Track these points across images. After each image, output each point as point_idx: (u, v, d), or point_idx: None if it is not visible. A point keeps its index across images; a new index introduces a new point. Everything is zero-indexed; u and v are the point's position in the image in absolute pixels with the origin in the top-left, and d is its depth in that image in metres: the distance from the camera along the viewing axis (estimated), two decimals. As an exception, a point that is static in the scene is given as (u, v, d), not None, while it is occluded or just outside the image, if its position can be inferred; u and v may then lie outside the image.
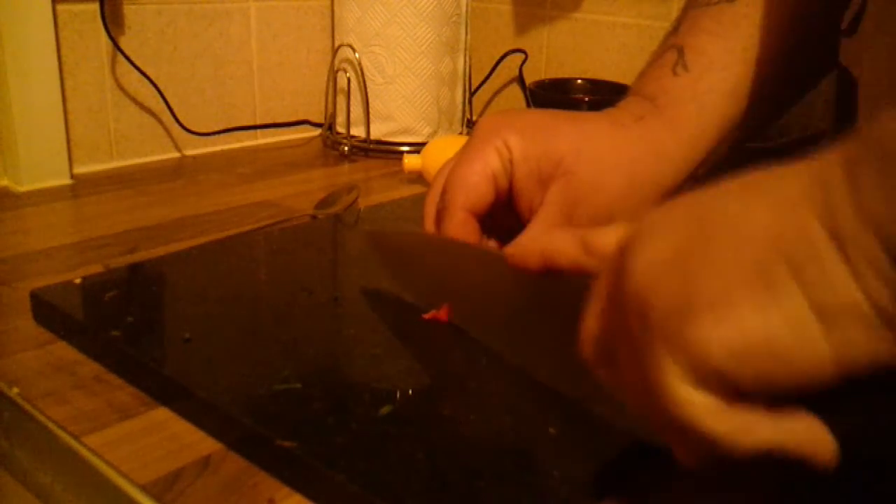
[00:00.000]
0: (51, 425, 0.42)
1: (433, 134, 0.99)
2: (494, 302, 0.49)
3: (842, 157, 0.27)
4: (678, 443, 0.32)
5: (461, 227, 0.50)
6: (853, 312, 0.26)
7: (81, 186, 0.83)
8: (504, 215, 0.52)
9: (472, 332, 0.50)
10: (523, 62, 1.10)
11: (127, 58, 0.87)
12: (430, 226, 0.53)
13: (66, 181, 0.83)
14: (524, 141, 0.51)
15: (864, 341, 0.27)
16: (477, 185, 0.50)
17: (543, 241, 0.42)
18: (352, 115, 0.97)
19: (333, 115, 1.00)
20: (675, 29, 0.58)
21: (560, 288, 0.42)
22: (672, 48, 0.57)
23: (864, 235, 0.26)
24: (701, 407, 0.30)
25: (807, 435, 0.30)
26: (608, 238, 0.37)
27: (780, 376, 0.28)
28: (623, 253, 0.33)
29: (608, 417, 0.42)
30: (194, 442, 0.42)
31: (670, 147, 0.54)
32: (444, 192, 0.52)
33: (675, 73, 0.56)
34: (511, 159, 0.51)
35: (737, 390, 0.29)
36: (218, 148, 0.98)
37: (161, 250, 0.65)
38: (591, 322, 0.36)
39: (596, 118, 0.56)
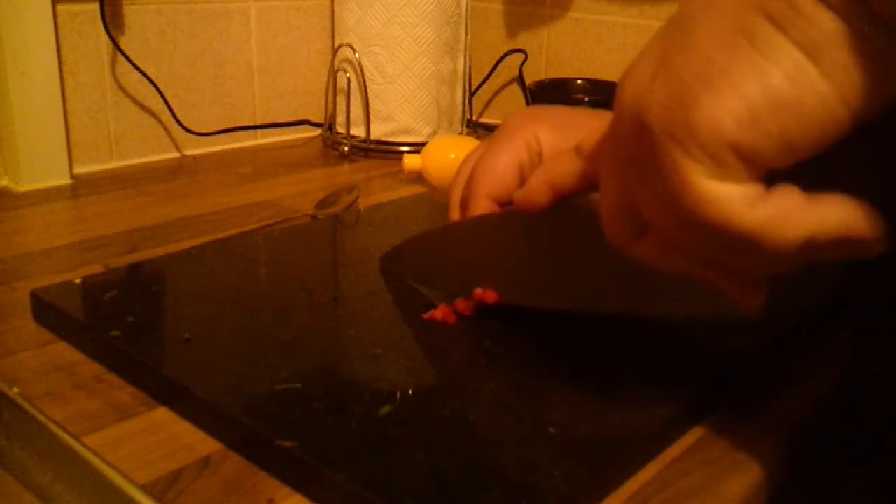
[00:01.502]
0: (51, 425, 0.42)
1: (433, 134, 0.99)
2: (526, 261, 0.50)
3: None
4: (728, 275, 0.32)
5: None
6: (835, 39, 0.27)
7: (81, 186, 0.83)
8: None
9: (517, 301, 0.50)
10: (523, 62, 1.10)
11: (127, 58, 0.87)
12: (454, 212, 0.54)
13: (66, 181, 0.83)
14: (554, 135, 0.52)
15: (856, 70, 0.27)
16: (504, 174, 0.51)
17: (543, 171, 0.43)
18: (352, 115, 0.97)
19: (333, 115, 1.00)
20: None
21: (576, 214, 0.43)
22: None
23: None
24: (733, 199, 0.29)
25: (851, 215, 0.29)
26: (598, 135, 0.38)
27: (795, 133, 0.28)
28: (614, 106, 0.33)
29: (608, 417, 0.42)
30: (194, 442, 0.42)
31: None
32: (470, 180, 0.52)
33: None
34: (540, 152, 0.52)
35: (762, 170, 0.29)
36: (218, 148, 0.98)
37: (161, 250, 0.65)
38: (607, 197, 0.35)
39: None
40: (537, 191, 0.43)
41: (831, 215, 0.29)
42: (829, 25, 0.27)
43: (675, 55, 0.30)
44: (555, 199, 0.43)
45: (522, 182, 0.52)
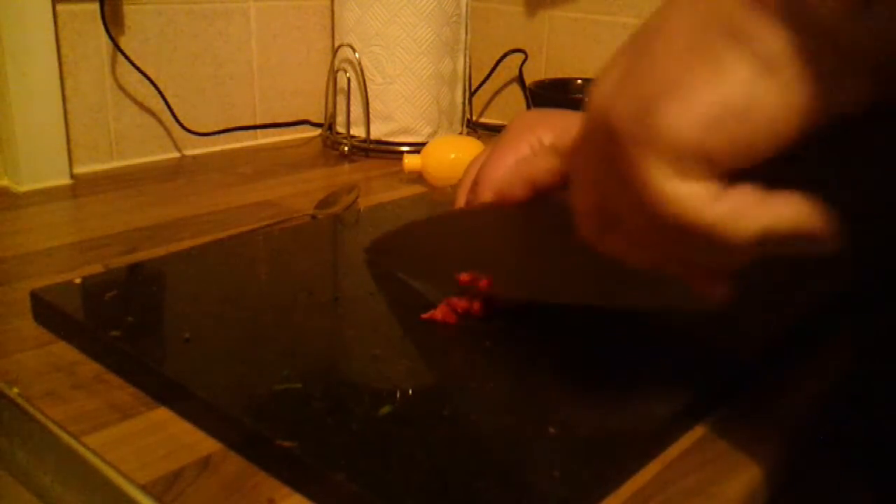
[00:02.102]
0: (51, 425, 0.42)
1: (433, 134, 0.99)
2: (507, 253, 0.51)
3: None
4: (692, 268, 0.34)
5: None
6: (787, 57, 0.29)
7: (81, 186, 0.83)
8: None
9: (500, 292, 0.51)
10: (523, 62, 1.10)
11: (127, 58, 0.87)
12: None
13: (66, 181, 0.83)
14: (557, 139, 0.52)
15: (807, 89, 0.29)
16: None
17: (519, 168, 0.45)
18: (352, 115, 0.97)
19: (333, 115, 1.00)
20: None
21: (554, 208, 0.44)
22: None
23: None
24: (692, 197, 0.31)
25: (800, 211, 0.31)
26: (573, 133, 0.39)
27: (750, 138, 0.30)
28: (586, 111, 0.35)
29: (608, 417, 0.42)
30: (194, 442, 0.42)
31: None
32: (476, 183, 0.53)
33: None
34: None
35: (721, 171, 0.31)
36: (218, 148, 0.98)
37: (161, 250, 0.65)
38: (578, 194, 0.38)
39: None
40: (516, 185, 0.45)
41: (785, 211, 0.31)
42: (781, 43, 0.29)
43: (640, 63, 0.32)
44: (533, 193, 0.44)
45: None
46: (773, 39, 0.29)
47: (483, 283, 0.51)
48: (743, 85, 0.29)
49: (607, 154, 0.33)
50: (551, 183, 0.43)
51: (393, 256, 0.58)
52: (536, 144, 0.52)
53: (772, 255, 0.32)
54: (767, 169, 0.31)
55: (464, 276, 0.51)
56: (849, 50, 0.28)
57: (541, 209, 0.46)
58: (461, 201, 0.55)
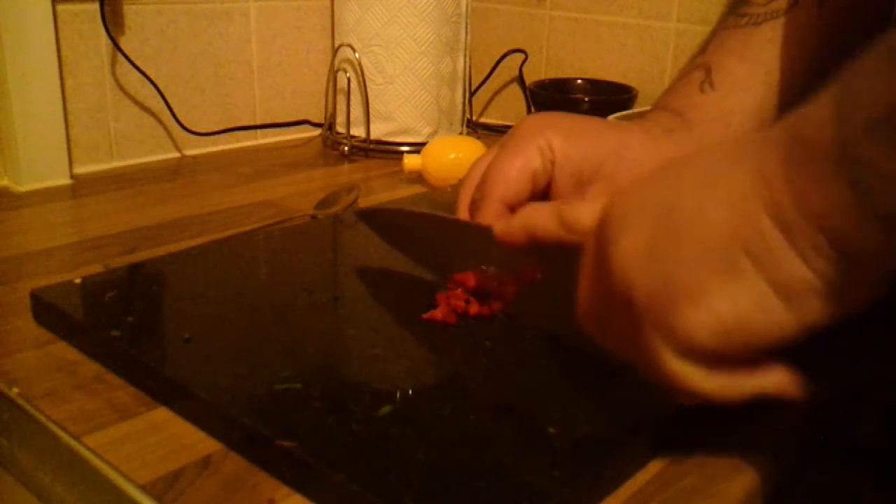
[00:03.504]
0: (51, 425, 0.42)
1: (433, 134, 0.99)
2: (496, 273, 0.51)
3: (778, 154, 0.31)
4: (676, 393, 0.37)
5: (496, 218, 0.51)
6: (807, 287, 0.31)
7: (81, 186, 0.83)
8: None
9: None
10: (523, 62, 1.10)
11: (127, 58, 0.87)
12: (463, 214, 0.55)
13: (66, 181, 0.83)
14: (566, 142, 0.53)
15: (820, 308, 0.31)
16: (517, 179, 0.52)
17: (525, 217, 0.45)
18: (352, 115, 0.97)
19: (333, 115, 1.00)
20: (703, 49, 0.61)
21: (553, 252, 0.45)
22: (699, 67, 0.59)
23: (805, 225, 0.30)
24: (691, 374, 0.35)
25: (781, 381, 0.35)
26: (583, 215, 0.41)
27: (753, 345, 0.33)
28: (600, 237, 0.37)
29: (608, 417, 0.42)
30: (194, 442, 0.42)
31: None
32: (482, 183, 0.53)
33: (701, 91, 0.58)
34: (553, 159, 0.53)
35: (720, 357, 0.34)
36: (218, 148, 0.98)
37: (161, 250, 0.65)
38: (584, 297, 0.40)
39: (629, 127, 0.58)
40: (515, 234, 0.46)
41: (768, 381, 0.35)
42: (801, 276, 0.31)
43: (665, 253, 0.34)
44: (529, 243, 0.45)
45: (534, 189, 0.53)
46: (792, 270, 0.31)
47: (530, 272, 0.50)
48: (758, 305, 0.32)
49: (622, 304, 0.36)
50: (549, 243, 0.44)
51: (381, 229, 0.58)
52: (545, 147, 0.53)
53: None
54: None
55: (459, 277, 0.51)
56: (878, 274, 0.30)
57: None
58: (464, 200, 0.55)
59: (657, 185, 0.36)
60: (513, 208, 0.52)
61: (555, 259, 0.45)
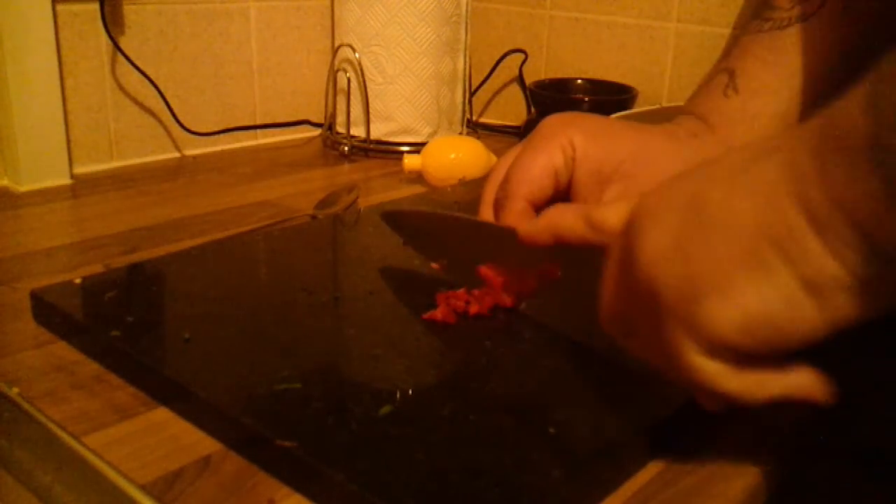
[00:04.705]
0: (51, 425, 0.42)
1: (433, 134, 0.99)
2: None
3: (810, 145, 0.30)
4: (699, 396, 0.36)
5: (520, 217, 0.51)
6: (835, 283, 0.30)
7: (81, 186, 0.83)
8: None
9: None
10: (523, 62, 1.10)
11: (127, 58, 0.87)
12: (486, 212, 0.55)
13: (66, 181, 0.83)
14: (588, 141, 0.53)
15: (849, 304, 0.30)
16: (539, 177, 0.53)
17: (552, 218, 0.45)
18: (352, 115, 0.97)
19: (333, 115, 1.00)
20: (727, 53, 0.61)
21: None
22: (723, 71, 0.60)
23: (836, 218, 0.29)
24: (716, 372, 0.34)
25: (808, 383, 0.35)
26: (610, 215, 0.40)
27: (780, 341, 0.32)
28: (627, 235, 0.37)
29: (608, 417, 0.42)
30: (194, 442, 0.42)
31: None
32: (505, 182, 0.54)
33: (725, 95, 0.59)
34: (574, 157, 0.53)
35: (746, 355, 0.33)
36: (218, 148, 0.98)
37: (161, 250, 0.65)
38: (608, 298, 0.39)
39: (652, 129, 0.58)
40: (540, 234, 0.45)
41: (794, 382, 0.34)
42: (830, 271, 0.30)
43: (692, 247, 0.33)
44: (554, 244, 0.45)
45: (557, 187, 0.53)
46: (823, 267, 0.30)
47: (551, 270, 0.50)
48: (785, 300, 0.31)
49: (647, 303, 0.35)
50: (574, 243, 0.44)
51: (405, 232, 0.58)
52: (567, 146, 0.53)
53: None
54: None
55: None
56: None
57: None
58: (488, 199, 0.55)
59: (686, 183, 0.35)
60: (536, 207, 0.52)
61: (576, 261, 0.45)
